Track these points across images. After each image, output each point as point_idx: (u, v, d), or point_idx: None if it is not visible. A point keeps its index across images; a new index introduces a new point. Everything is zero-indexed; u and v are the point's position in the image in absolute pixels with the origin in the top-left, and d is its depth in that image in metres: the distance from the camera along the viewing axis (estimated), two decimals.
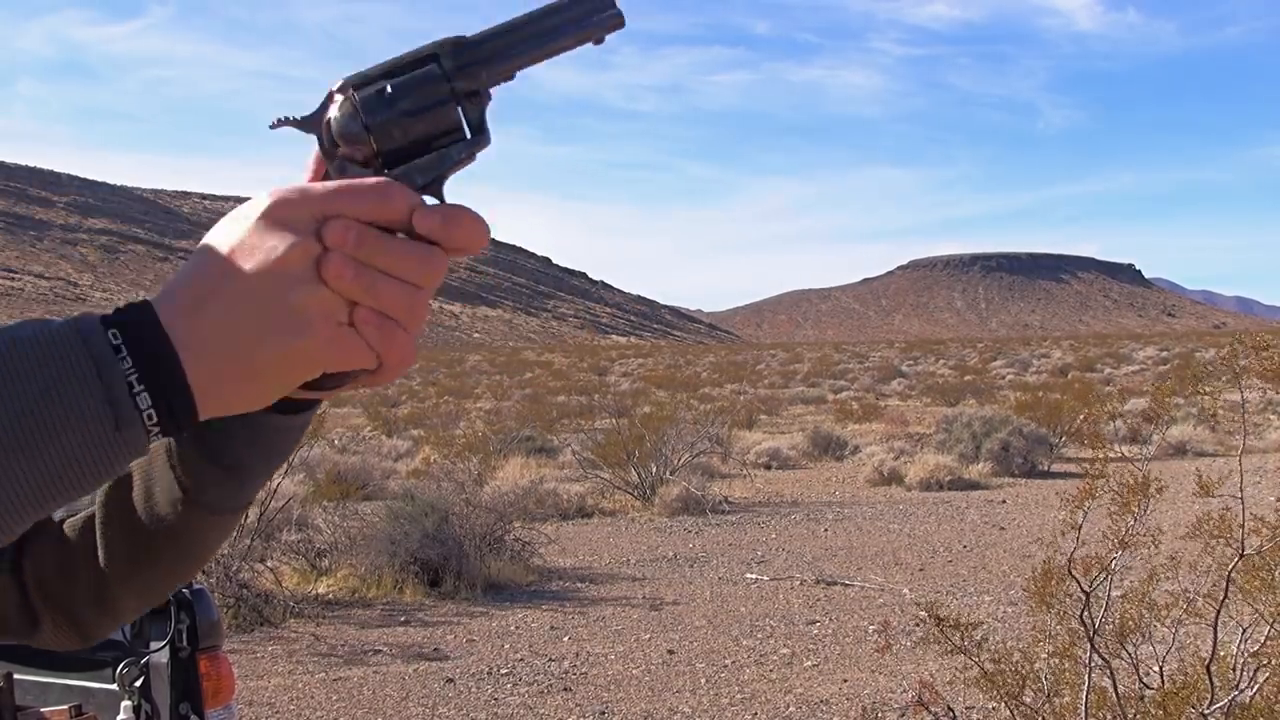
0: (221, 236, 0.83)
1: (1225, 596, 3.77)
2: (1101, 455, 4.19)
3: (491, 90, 0.91)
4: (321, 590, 10.98)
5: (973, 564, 11.97)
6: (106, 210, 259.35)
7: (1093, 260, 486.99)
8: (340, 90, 0.88)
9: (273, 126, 0.88)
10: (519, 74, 0.92)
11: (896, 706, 7.07)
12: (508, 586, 11.18)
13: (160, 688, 3.32)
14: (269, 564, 11.03)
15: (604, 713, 7.34)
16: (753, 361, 73.37)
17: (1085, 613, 3.87)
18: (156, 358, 0.78)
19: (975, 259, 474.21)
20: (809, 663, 8.35)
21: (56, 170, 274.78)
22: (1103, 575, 3.90)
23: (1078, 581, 3.88)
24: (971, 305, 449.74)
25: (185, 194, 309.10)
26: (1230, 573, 3.73)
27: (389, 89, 0.88)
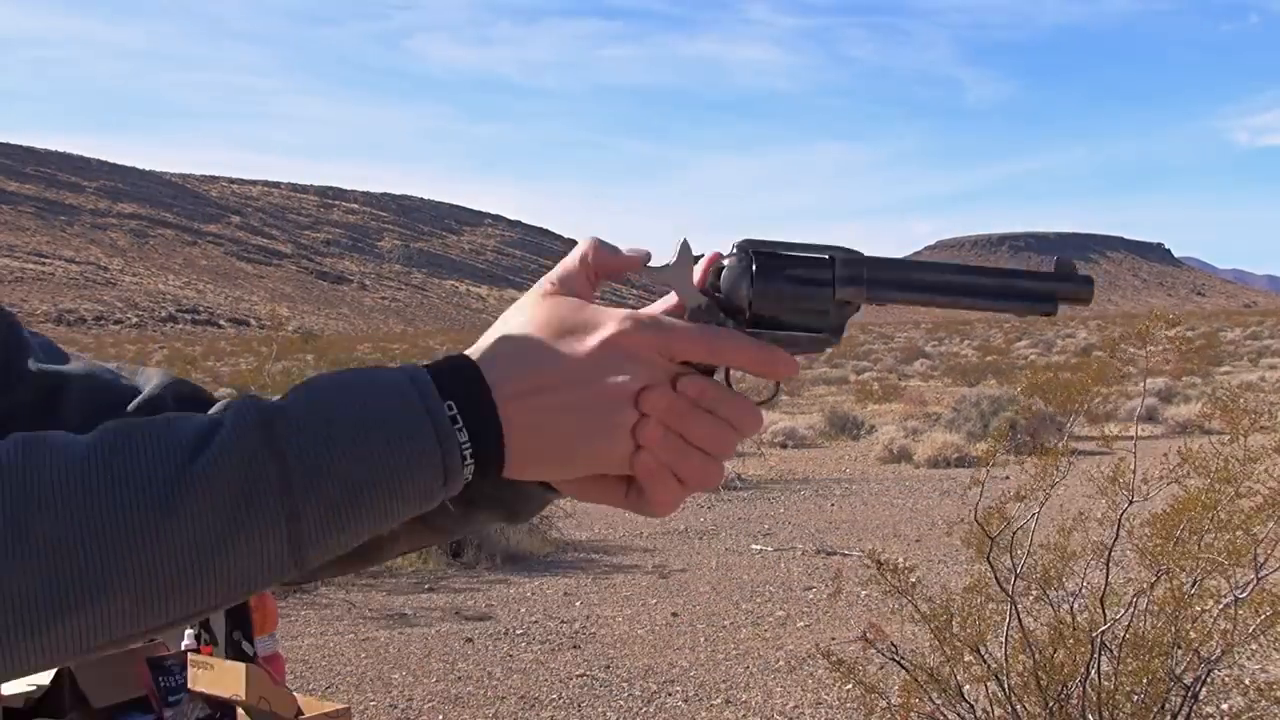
0: (565, 341, 0.91)
1: (1116, 538, 4.41)
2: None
3: (862, 305, 0.98)
4: None
5: (967, 536, 12.53)
6: (135, 195, 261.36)
7: (1121, 239, 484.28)
8: (740, 248, 0.96)
9: (696, 258, 0.98)
10: (890, 303, 1.00)
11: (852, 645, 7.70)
12: (526, 557, 11.83)
13: (217, 618, 3.98)
14: None
15: (609, 666, 8.00)
16: None
17: (993, 554, 4.54)
18: (486, 436, 0.88)
19: (1003, 239, 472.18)
20: (801, 624, 8.99)
21: (86, 155, 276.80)
22: (1010, 524, 4.56)
23: (983, 528, 4.53)
24: None
25: (213, 178, 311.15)
26: (1120, 517, 4.38)
27: (785, 269, 0.96)
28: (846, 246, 0.98)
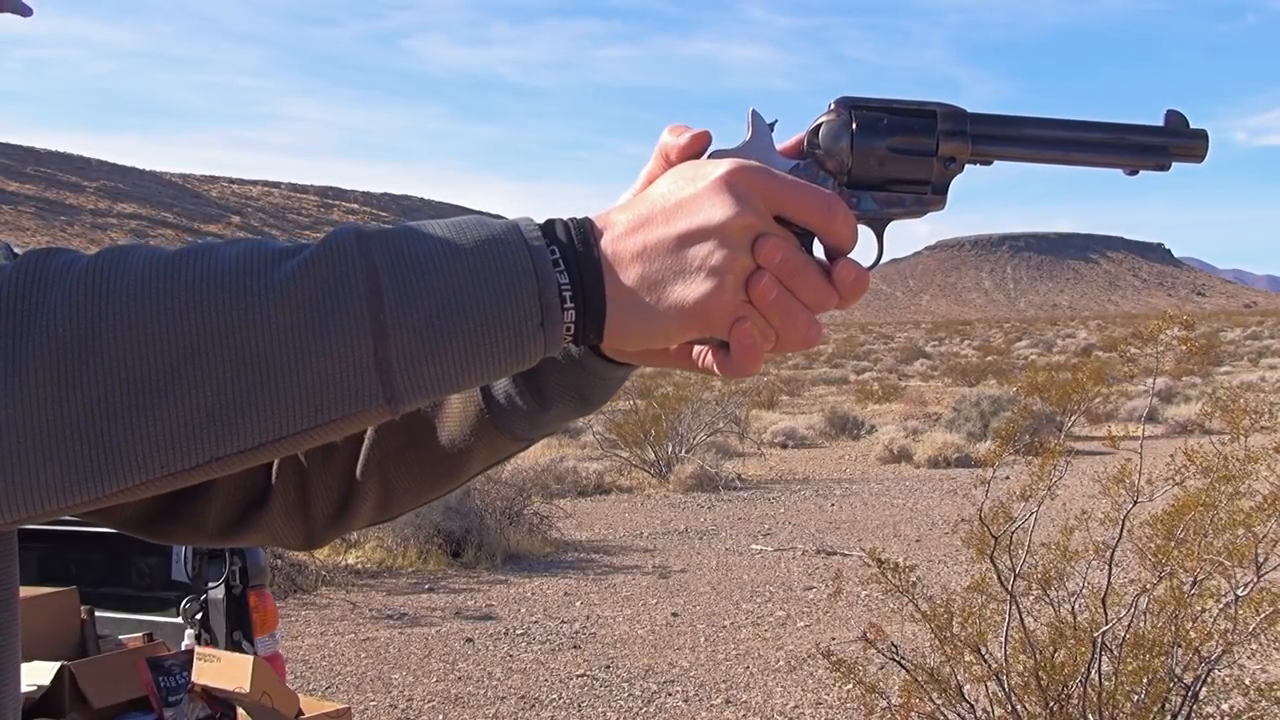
0: (674, 186, 0.87)
1: (1119, 538, 4.42)
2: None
3: (966, 164, 0.95)
4: (351, 561, 11.67)
5: (968, 536, 12.53)
6: (135, 195, 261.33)
7: (1121, 240, 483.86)
8: (839, 104, 0.94)
9: (771, 124, 0.94)
10: (996, 161, 0.96)
11: (852, 645, 7.71)
12: (526, 557, 11.83)
13: (217, 619, 3.99)
14: None
15: (609, 667, 8.00)
16: None
17: (995, 553, 4.54)
18: (587, 280, 0.84)
19: (1003, 239, 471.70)
20: (801, 624, 8.99)
21: (86, 155, 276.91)
22: (1011, 523, 4.56)
23: (987, 527, 4.53)
24: (1000, 285, 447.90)
25: (213, 178, 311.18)
26: (1124, 517, 4.38)
27: (886, 121, 0.93)
28: (950, 103, 0.95)
